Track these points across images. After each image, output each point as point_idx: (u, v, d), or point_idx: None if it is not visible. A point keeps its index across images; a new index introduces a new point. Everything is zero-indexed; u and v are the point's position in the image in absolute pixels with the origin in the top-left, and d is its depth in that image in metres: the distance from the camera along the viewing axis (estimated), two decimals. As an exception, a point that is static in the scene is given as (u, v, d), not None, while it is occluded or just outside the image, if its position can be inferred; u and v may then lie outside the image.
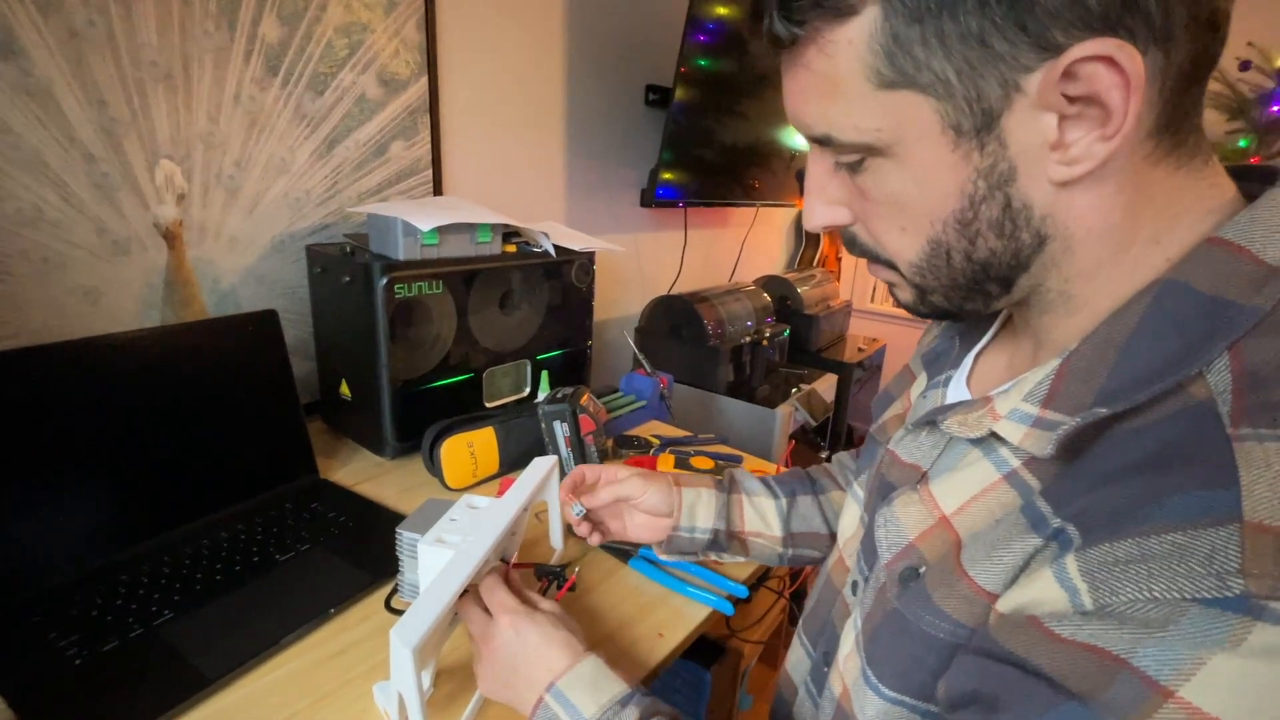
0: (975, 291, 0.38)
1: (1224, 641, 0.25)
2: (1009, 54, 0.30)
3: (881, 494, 0.46)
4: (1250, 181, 0.36)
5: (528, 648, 0.50)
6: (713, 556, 0.67)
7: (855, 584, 0.48)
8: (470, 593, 0.54)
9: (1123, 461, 0.30)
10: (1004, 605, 0.33)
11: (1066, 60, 0.29)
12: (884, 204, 0.37)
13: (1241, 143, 2.07)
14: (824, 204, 0.40)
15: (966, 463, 0.39)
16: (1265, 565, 0.25)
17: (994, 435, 0.37)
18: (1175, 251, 0.33)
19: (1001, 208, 0.34)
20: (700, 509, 0.65)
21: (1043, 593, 0.30)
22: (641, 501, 0.65)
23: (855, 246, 0.41)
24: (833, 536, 0.67)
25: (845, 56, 0.33)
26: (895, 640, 0.40)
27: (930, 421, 0.43)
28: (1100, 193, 0.33)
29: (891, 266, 0.40)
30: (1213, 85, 2.09)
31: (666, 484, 0.65)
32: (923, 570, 0.39)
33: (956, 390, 0.46)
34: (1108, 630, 0.27)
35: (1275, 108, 2.00)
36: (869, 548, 0.46)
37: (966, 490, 0.38)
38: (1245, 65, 2.01)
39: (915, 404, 0.50)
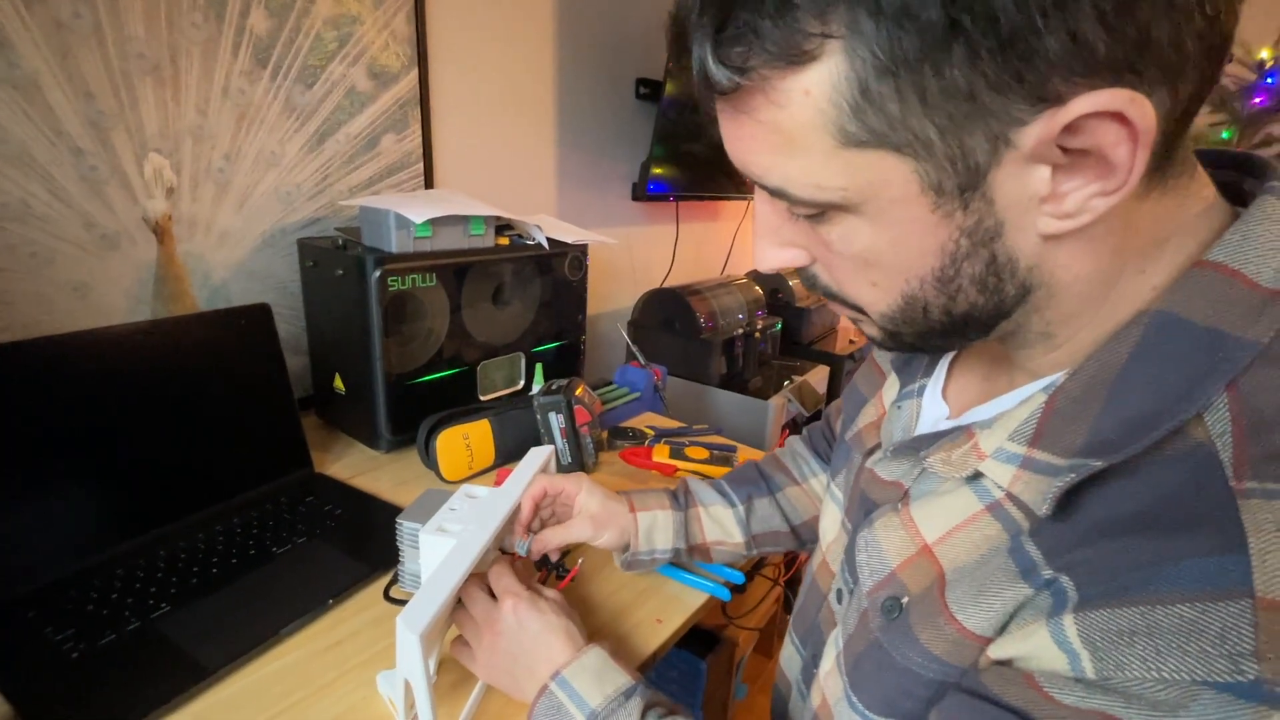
0: (952, 336, 0.35)
1: None
2: (1000, 108, 0.26)
3: (864, 509, 0.45)
4: (1226, 169, 0.34)
5: (529, 634, 0.50)
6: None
7: (840, 592, 0.47)
8: (475, 578, 0.54)
9: (1120, 511, 0.29)
10: (996, 652, 0.32)
11: (1069, 116, 0.25)
12: (851, 259, 0.33)
13: (1224, 134, 2.10)
14: (775, 246, 0.36)
15: (948, 488, 0.38)
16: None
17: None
18: (1162, 279, 0.31)
19: (985, 263, 0.30)
20: (657, 532, 0.64)
21: (1039, 650, 0.29)
22: (594, 544, 0.63)
23: (816, 286, 0.37)
24: (794, 531, 0.68)
25: (801, 108, 0.28)
26: (880, 673, 0.38)
27: (913, 449, 0.41)
28: (1089, 238, 0.30)
29: (858, 310, 0.37)
30: (1196, 77, 2.12)
31: (619, 518, 0.63)
32: (905, 601, 0.38)
33: (932, 403, 0.45)
34: (1114, 705, 0.26)
35: (1257, 99, 2.03)
36: (852, 562, 0.45)
37: (948, 519, 0.37)
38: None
39: (890, 413, 0.48)
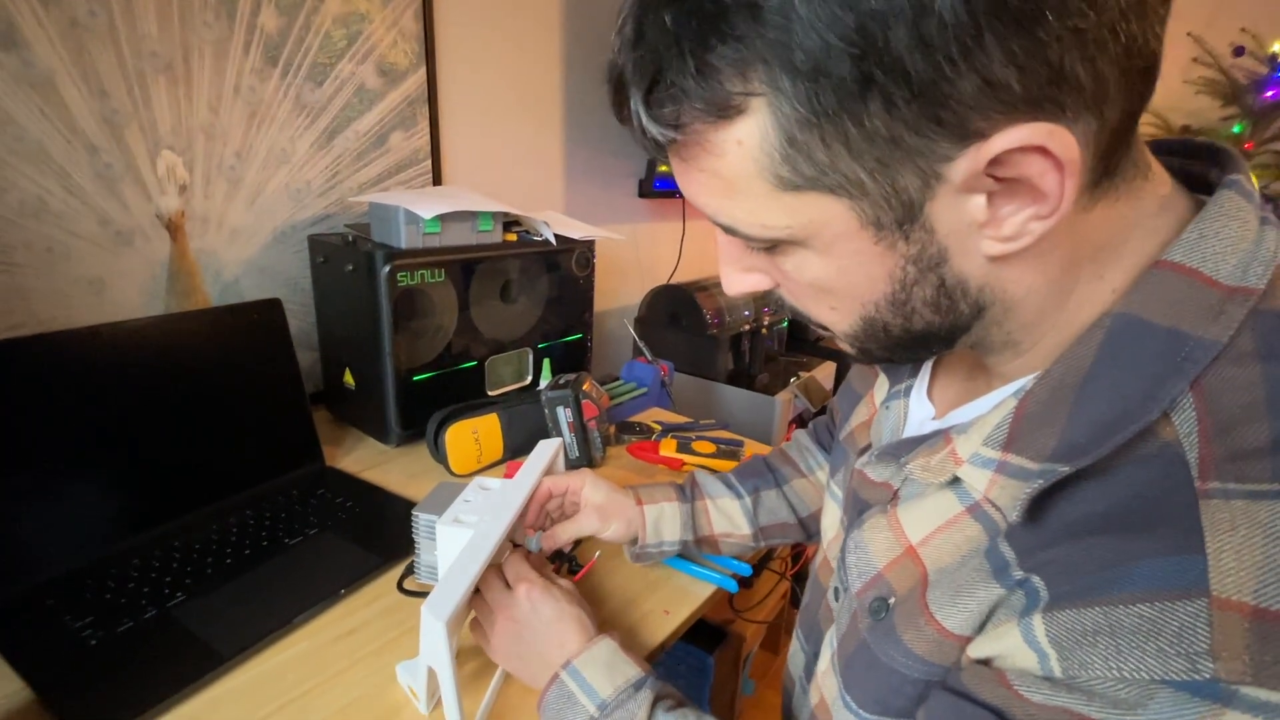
0: (917, 350, 0.37)
1: None
2: (926, 147, 0.26)
3: (856, 510, 0.45)
4: (1187, 158, 0.34)
5: (542, 619, 0.51)
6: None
7: (836, 590, 0.47)
8: (492, 568, 0.55)
9: (1088, 511, 0.29)
10: (975, 651, 0.33)
11: (990, 152, 0.26)
12: (807, 286, 0.35)
13: (1235, 128, 2.08)
14: (739, 272, 0.37)
15: (932, 490, 0.38)
16: (1235, 647, 0.24)
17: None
18: (1121, 281, 0.31)
19: (935, 288, 0.31)
20: (665, 524, 0.65)
21: (1011, 649, 0.30)
22: (601, 537, 0.64)
23: (784, 307, 0.39)
24: (801, 523, 0.68)
25: (736, 157, 0.29)
26: (869, 673, 0.39)
27: (894, 455, 0.41)
28: (1036, 253, 0.30)
29: (825, 329, 0.38)
30: (1206, 71, 2.10)
31: (625, 510, 0.64)
32: (892, 601, 0.38)
33: (918, 402, 0.45)
34: (1079, 702, 0.27)
35: (1269, 93, 2.01)
36: (844, 563, 0.46)
37: (931, 521, 0.37)
38: (1239, 51, 2.02)
39: (879, 414, 0.49)
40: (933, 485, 0.38)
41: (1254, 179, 0.32)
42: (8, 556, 0.61)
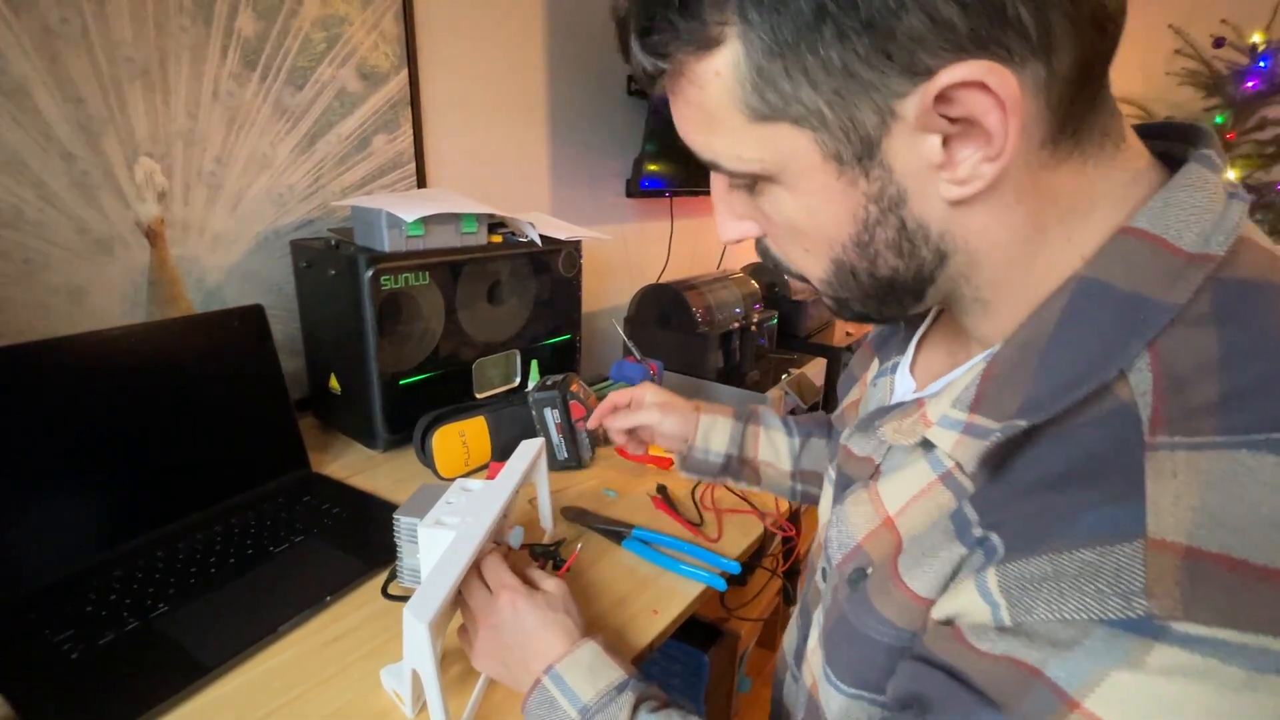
0: (889, 301, 0.37)
1: (1125, 661, 0.25)
2: (878, 81, 0.28)
3: (841, 486, 0.46)
4: (1168, 141, 0.35)
5: (525, 627, 0.50)
6: (729, 482, 0.73)
7: (824, 570, 0.48)
8: (473, 570, 0.55)
9: (1046, 470, 0.30)
10: (937, 612, 0.34)
11: (935, 88, 0.28)
12: (782, 226, 0.37)
13: (1218, 119, 2.10)
14: (732, 218, 0.40)
15: (910, 461, 0.39)
16: (1167, 585, 0.25)
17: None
18: (1090, 246, 0.32)
19: (896, 229, 0.33)
20: (715, 434, 0.70)
21: (968, 605, 0.31)
22: (658, 429, 0.71)
23: (768, 258, 0.41)
24: None
25: (715, 89, 0.32)
26: (848, 645, 0.40)
27: (870, 423, 0.43)
28: (998, 205, 0.32)
29: (805, 280, 0.40)
30: (1188, 63, 2.11)
31: (684, 412, 0.71)
32: (870, 571, 0.39)
33: (902, 379, 0.47)
34: (1022, 647, 0.28)
35: (1250, 83, 2.03)
36: (828, 539, 0.47)
37: (907, 490, 0.38)
38: (1219, 42, 2.04)
39: (867, 391, 0.51)
40: (911, 456, 0.39)
41: (1230, 164, 0.33)
42: (-13, 570, 0.60)
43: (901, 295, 0.37)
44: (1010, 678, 0.28)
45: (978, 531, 0.32)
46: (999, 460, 0.33)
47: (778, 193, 0.35)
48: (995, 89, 0.27)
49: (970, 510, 0.33)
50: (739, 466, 0.70)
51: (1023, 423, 0.31)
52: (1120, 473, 0.27)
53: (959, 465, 0.35)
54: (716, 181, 0.39)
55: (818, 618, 0.46)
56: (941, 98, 0.28)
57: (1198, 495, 0.26)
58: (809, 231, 0.36)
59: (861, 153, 0.31)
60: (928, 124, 0.29)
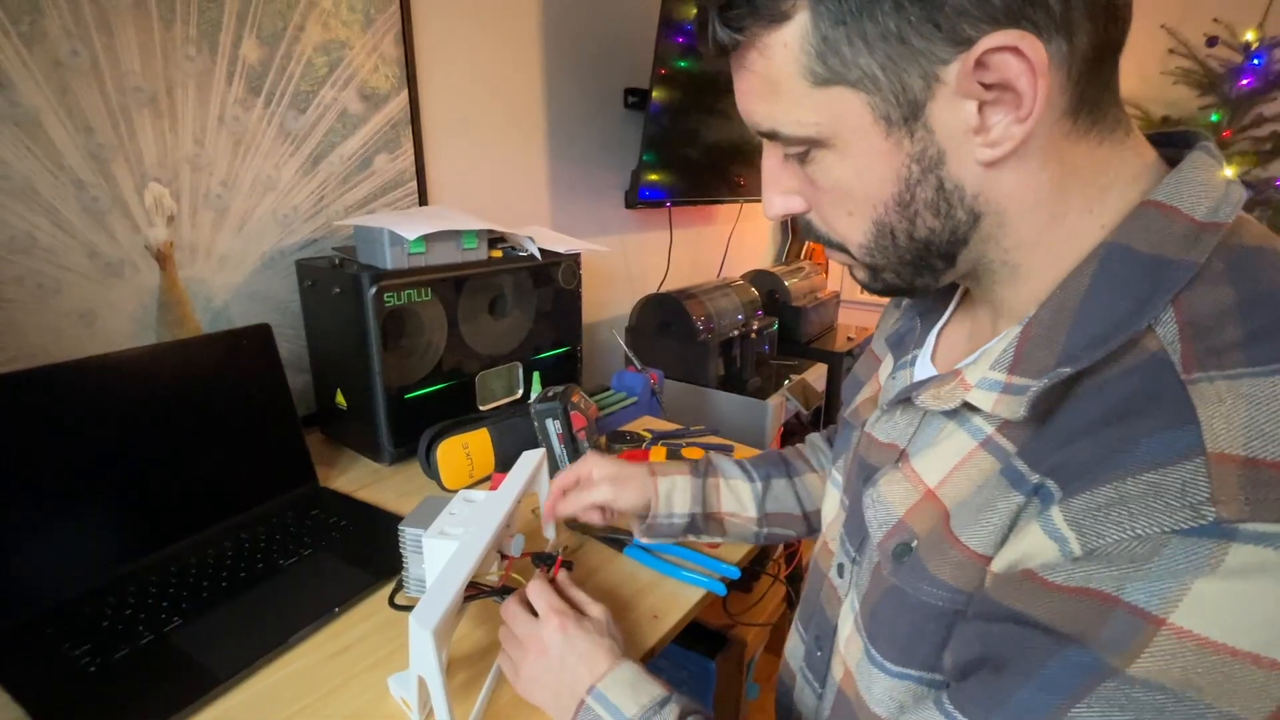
0: (923, 267, 0.41)
1: (1204, 566, 0.27)
2: (927, 49, 0.33)
3: (863, 476, 0.47)
4: (1169, 147, 0.39)
5: (575, 651, 0.51)
6: (690, 538, 0.70)
7: (841, 566, 0.49)
8: (516, 595, 0.56)
9: (1091, 416, 0.33)
10: (998, 565, 0.35)
11: (977, 51, 0.32)
12: (830, 191, 0.40)
13: (1213, 117, 2.11)
14: (779, 194, 0.43)
15: (943, 436, 0.41)
16: (1232, 491, 0.27)
17: (967, 406, 0.39)
18: (1110, 218, 0.36)
19: (935, 189, 0.37)
20: (676, 495, 0.67)
21: (1034, 546, 0.32)
22: (614, 505, 0.67)
23: (811, 232, 0.44)
24: (806, 517, 0.70)
25: (782, 58, 0.36)
26: (896, 615, 0.41)
27: (905, 399, 0.45)
28: (1026, 170, 0.35)
29: (844, 250, 0.42)
30: (1182, 62, 2.12)
31: (640, 481, 0.67)
32: (914, 544, 0.40)
33: (923, 368, 0.48)
34: (1098, 571, 0.30)
35: (1244, 81, 2.04)
36: (854, 530, 0.48)
37: (947, 462, 0.40)
38: (1212, 41, 2.05)
39: (885, 386, 0.52)
40: (945, 431, 0.41)
41: (1227, 161, 0.36)
42: (6, 588, 0.62)
43: (935, 259, 0.40)
44: (1086, 608, 0.30)
45: (1034, 478, 0.34)
46: (1043, 411, 0.35)
47: (828, 157, 0.38)
48: (1027, 53, 0.31)
49: (1020, 464, 0.36)
50: (704, 522, 0.69)
51: (1067, 370, 0.34)
52: (1168, 403, 0.30)
53: (999, 430, 0.38)
54: (769, 156, 0.42)
55: (850, 607, 0.47)
56: (980, 64, 0.32)
57: (1245, 414, 0.28)
58: (855, 191, 0.38)
59: (908, 114, 0.35)
60: (967, 89, 0.33)
